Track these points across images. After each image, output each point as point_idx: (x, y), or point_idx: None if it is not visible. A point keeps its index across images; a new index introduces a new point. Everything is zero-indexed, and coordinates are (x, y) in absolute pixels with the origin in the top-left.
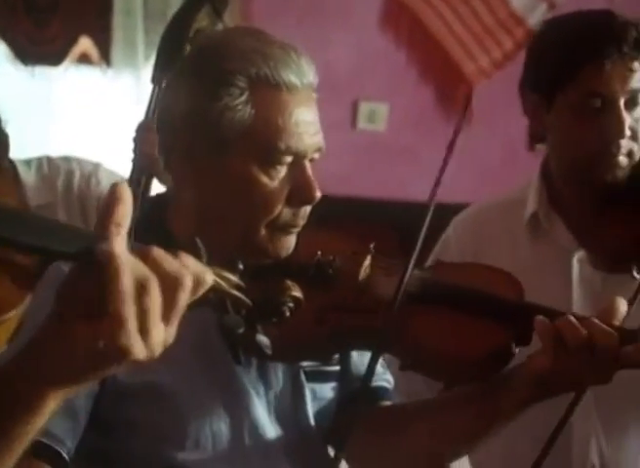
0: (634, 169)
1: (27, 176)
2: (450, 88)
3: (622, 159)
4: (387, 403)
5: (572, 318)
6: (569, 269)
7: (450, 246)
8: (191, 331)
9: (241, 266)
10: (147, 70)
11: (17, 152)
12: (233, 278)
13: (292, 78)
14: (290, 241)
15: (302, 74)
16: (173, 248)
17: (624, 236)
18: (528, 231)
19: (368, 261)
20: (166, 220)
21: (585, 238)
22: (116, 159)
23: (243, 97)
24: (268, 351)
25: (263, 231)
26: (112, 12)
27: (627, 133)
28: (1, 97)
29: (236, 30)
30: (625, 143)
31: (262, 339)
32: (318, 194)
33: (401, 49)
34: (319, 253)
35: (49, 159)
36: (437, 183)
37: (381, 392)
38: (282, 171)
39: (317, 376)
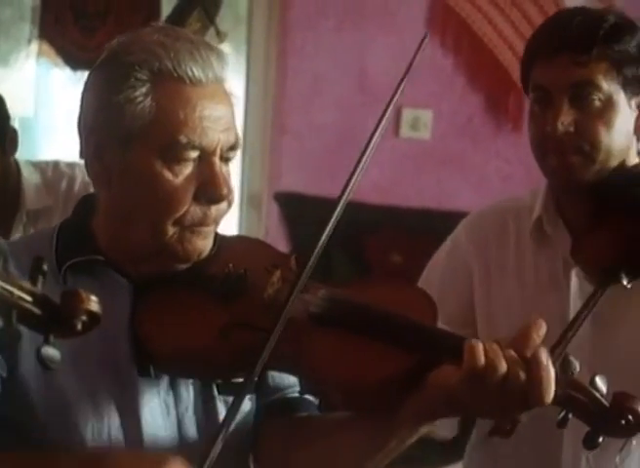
0: (616, 173)
1: (31, 179)
2: (499, 94)
3: (573, 158)
4: (304, 414)
5: (498, 351)
6: (568, 282)
7: (461, 245)
8: (99, 342)
9: (45, 267)
10: None
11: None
12: (28, 286)
13: (196, 72)
14: (201, 243)
15: (209, 68)
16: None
17: (604, 245)
18: (532, 238)
19: (277, 276)
20: (91, 221)
21: (573, 247)
22: None
23: (144, 90)
24: (52, 365)
25: (171, 230)
26: (160, 19)
27: (560, 128)
28: (41, 101)
29: (149, 28)
30: (571, 140)
31: (47, 352)
32: (225, 192)
33: (447, 54)
34: (231, 265)
35: (55, 164)
36: (348, 183)
37: (300, 403)
38: (187, 167)
39: (231, 389)
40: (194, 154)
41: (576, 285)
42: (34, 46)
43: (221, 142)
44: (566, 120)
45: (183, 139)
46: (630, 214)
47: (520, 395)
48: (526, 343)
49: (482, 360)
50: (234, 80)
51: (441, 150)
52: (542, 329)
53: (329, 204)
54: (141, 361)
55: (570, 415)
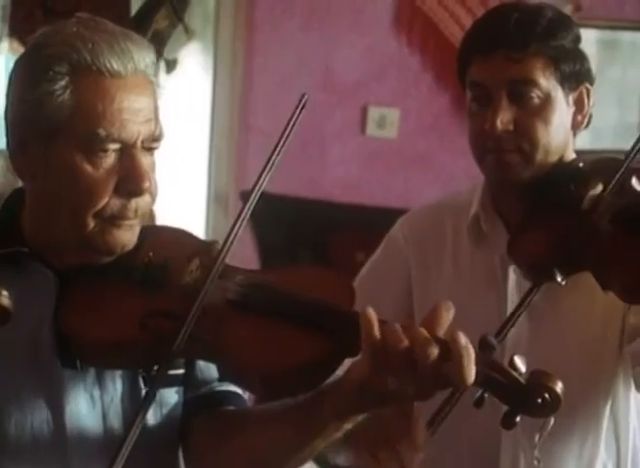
0: (552, 170)
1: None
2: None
3: (512, 156)
4: (232, 408)
5: (396, 326)
6: (505, 279)
7: (398, 243)
8: (24, 333)
9: None
10: (166, 76)
11: None
12: None
13: (114, 64)
14: (123, 236)
15: (128, 60)
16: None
17: (538, 242)
18: (470, 235)
19: (195, 264)
20: (20, 214)
21: (509, 244)
22: None
23: (63, 83)
24: None
25: (92, 223)
26: (130, 16)
27: (499, 126)
28: None
29: (72, 19)
30: (510, 138)
31: None
32: (146, 185)
33: (414, 53)
34: (151, 254)
35: None
36: (261, 176)
37: (228, 397)
38: (108, 159)
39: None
40: (114, 147)
41: (513, 281)
42: (4, 43)
43: (142, 134)
44: (505, 118)
45: (102, 133)
46: (562, 212)
47: (437, 375)
48: (436, 321)
49: (377, 332)
50: (202, 79)
51: (408, 149)
52: (451, 309)
53: (294, 202)
54: (66, 353)
55: (486, 395)
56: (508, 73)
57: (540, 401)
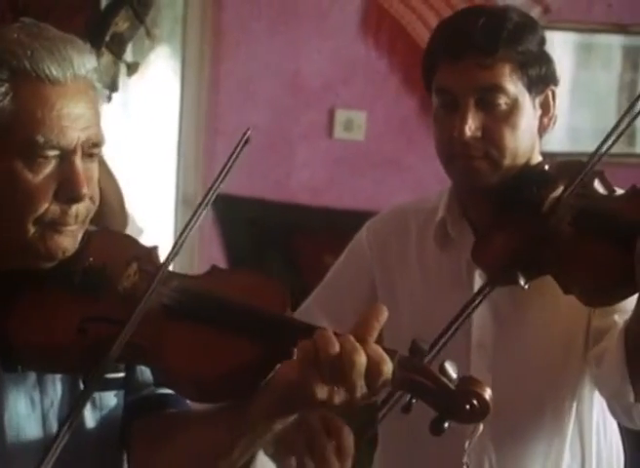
0: (517, 174)
1: None
2: None
3: (480, 163)
4: (171, 411)
5: (328, 332)
6: (471, 283)
7: (362, 248)
8: None
9: None
10: (135, 80)
11: None
12: None
13: (54, 70)
14: (64, 241)
15: (68, 66)
16: None
17: (501, 246)
18: (436, 239)
19: (133, 269)
20: None
21: (473, 248)
22: None
23: (3, 90)
24: None
25: (32, 229)
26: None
27: (468, 133)
28: None
29: (15, 25)
30: (478, 145)
31: None
32: (85, 191)
33: (381, 55)
34: (91, 259)
35: None
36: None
37: (168, 399)
38: (47, 166)
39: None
40: (53, 153)
41: (479, 285)
42: None
43: (82, 141)
44: (473, 124)
45: (41, 139)
46: (524, 215)
47: (363, 384)
48: (366, 327)
49: (310, 342)
50: (171, 82)
51: (376, 152)
52: (383, 314)
53: (262, 205)
54: (7, 356)
55: (414, 400)
56: (477, 80)
57: (468, 407)
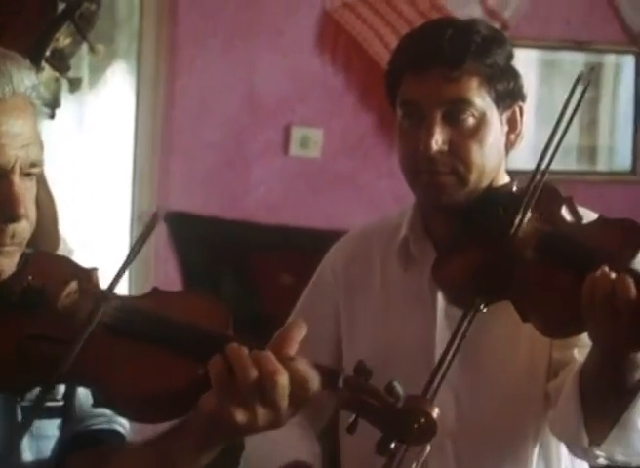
0: (484, 193)
1: None
2: (391, 113)
3: (446, 178)
4: (107, 446)
5: (243, 352)
6: (434, 303)
7: (326, 273)
8: None
9: None
10: (92, 97)
11: None
12: None
13: None
14: (1, 261)
15: (7, 82)
16: None
17: (459, 267)
18: (399, 258)
19: (73, 288)
20: None
21: (433, 268)
22: (55, 182)
23: None
24: None
25: None
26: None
27: (434, 147)
28: None
29: None
30: (444, 160)
31: None
32: (22, 211)
33: (338, 72)
34: (30, 277)
35: None
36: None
37: (105, 435)
38: None
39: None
40: None
41: (442, 306)
42: None
43: (20, 159)
44: (440, 139)
45: None
46: (487, 237)
47: (288, 402)
48: (285, 342)
49: (221, 361)
50: (127, 98)
51: (332, 169)
52: (303, 327)
53: (217, 223)
54: None
55: (359, 420)
56: (444, 93)
57: (415, 426)
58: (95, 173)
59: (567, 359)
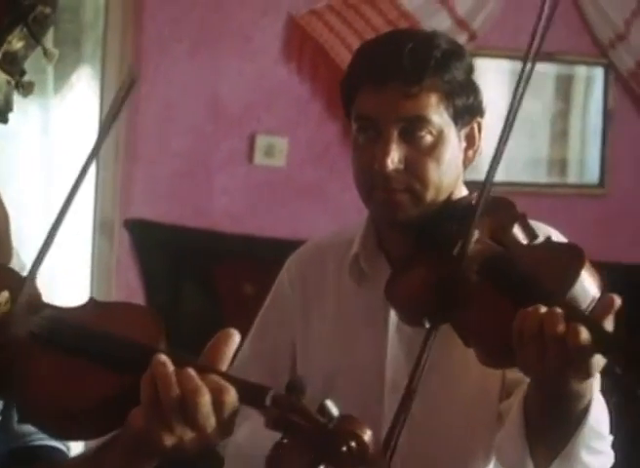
0: (439, 209)
1: None
2: None
3: (401, 196)
4: (44, 463)
5: (167, 369)
6: (386, 321)
7: (283, 286)
8: None
9: None
10: (57, 101)
11: None
12: None
13: None
14: None
15: None
16: None
17: (408, 285)
18: (351, 274)
19: (4, 297)
20: None
21: (386, 286)
22: (20, 188)
23: None
24: None
25: None
26: None
27: (390, 165)
28: None
29: None
30: (400, 177)
31: None
32: None
33: (304, 80)
34: None
35: None
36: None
37: (44, 451)
38: None
39: None
40: None
41: (394, 322)
42: None
43: None
44: (396, 156)
45: None
46: (438, 255)
47: (212, 423)
48: (214, 357)
49: (150, 381)
50: (92, 104)
51: (297, 179)
52: (232, 338)
53: (179, 231)
54: None
55: (286, 440)
56: (401, 109)
57: (345, 449)
58: (58, 179)
59: (521, 378)
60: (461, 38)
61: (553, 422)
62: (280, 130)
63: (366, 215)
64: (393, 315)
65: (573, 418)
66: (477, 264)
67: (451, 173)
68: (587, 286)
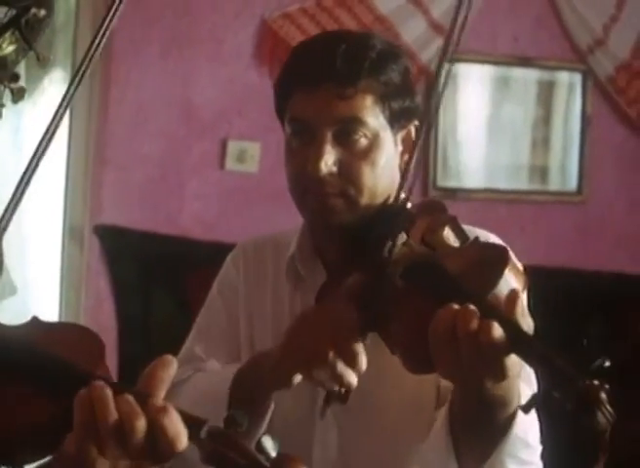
0: (374, 213)
1: None
2: None
3: (335, 200)
4: None
5: (105, 392)
6: None
7: (231, 276)
8: None
9: None
10: (30, 106)
11: None
12: None
13: None
14: None
15: None
16: None
17: (339, 292)
18: (288, 277)
19: None
20: None
21: (318, 292)
22: None
23: None
24: None
25: None
26: None
27: (323, 169)
28: None
29: None
30: (333, 181)
31: None
32: None
33: None
34: None
35: None
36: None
37: None
38: None
39: None
40: None
41: None
42: None
43: None
44: (329, 160)
45: None
46: (369, 260)
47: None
48: (149, 383)
49: (88, 402)
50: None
51: (270, 184)
52: (170, 365)
53: (150, 238)
54: None
55: None
56: (335, 111)
57: None
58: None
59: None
60: (437, 42)
61: (478, 430)
62: (252, 134)
63: (302, 222)
64: None
65: (498, 427)
66: (401, 268)
67: (386, 177)
68: (510, 286)
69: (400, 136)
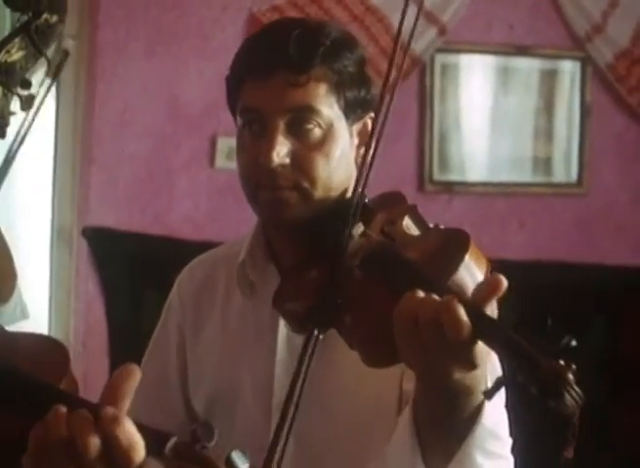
0: (330, 208)
1: None
2: None
3: (289, 194)
4: None
5: (59, 409)
6: (275, 332)
7: (174, 306)
8: None
9: None
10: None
11: None
12: None
13: None
14: None
15: None
16: None
17: (297, 291)
18: (239, 285)
19: None
20: None
21: (275, 294)
22: None
23: None
24: None
25: None
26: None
27: (275, 160)
28: None
29: None
30: (286, 174)
31: None
32: None
33: None
34: None
35: None
36: None
37: None
38: None
39: None
40: None
41: (284, 334)
42: None
43: None
44: (282, 151)
45: None
46: (320, 257)
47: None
48: (111, 395)
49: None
50: (49, 108)
51: None
52: (133, 375)
53: (139, 239)
54: None
55: None
56: (287, 99)
57: None
58: (15, 185)
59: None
60: (431, 32)
61: (443, 424)
62: None
63: (255, 223)
64: (282, 326)
65: (464, 418)
66: (359, 259)
67: (341, 170)
68: (472, 271)
69: (356, 127)
